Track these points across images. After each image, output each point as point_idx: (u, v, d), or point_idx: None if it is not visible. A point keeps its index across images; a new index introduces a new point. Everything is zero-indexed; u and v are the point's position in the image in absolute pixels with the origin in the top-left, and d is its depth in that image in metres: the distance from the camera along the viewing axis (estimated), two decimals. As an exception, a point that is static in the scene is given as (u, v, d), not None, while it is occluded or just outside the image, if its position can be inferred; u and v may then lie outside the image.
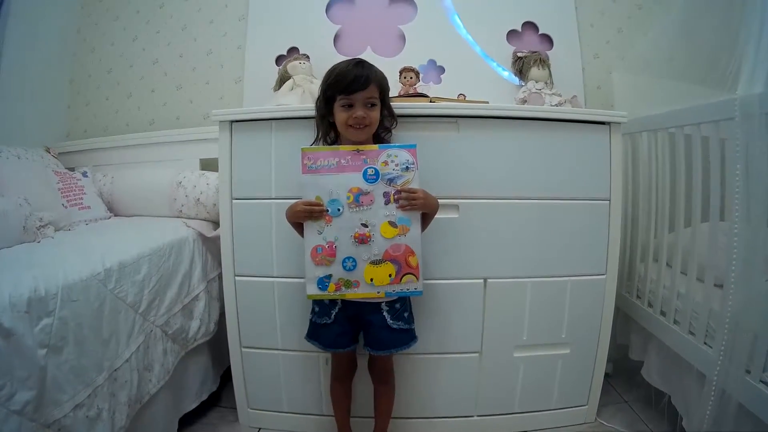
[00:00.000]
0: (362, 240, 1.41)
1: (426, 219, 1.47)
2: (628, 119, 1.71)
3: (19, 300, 1.12)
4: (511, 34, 2.07)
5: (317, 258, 1.44)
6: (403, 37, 2.03)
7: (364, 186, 1.40)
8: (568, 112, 1.73)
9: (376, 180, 1.40)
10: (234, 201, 1.71)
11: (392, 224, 1.41)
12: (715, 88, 1.60)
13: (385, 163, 1.41)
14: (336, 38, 2.07)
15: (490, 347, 1.75)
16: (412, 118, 1.62)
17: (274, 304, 1.73)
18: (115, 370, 1.41)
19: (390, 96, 1.51)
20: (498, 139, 1.66)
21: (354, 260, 1.42)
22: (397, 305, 1.51)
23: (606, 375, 1.87)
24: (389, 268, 1.42)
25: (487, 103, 1.78)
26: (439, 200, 1.61)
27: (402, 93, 1.81)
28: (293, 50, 2.09)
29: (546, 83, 1.98)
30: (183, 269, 1.81)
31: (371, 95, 1.41)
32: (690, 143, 1.66)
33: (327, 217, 1.42)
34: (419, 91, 1.83)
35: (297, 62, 1.90)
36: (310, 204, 1.41)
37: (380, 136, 1.53)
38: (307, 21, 2.08)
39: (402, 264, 1.42)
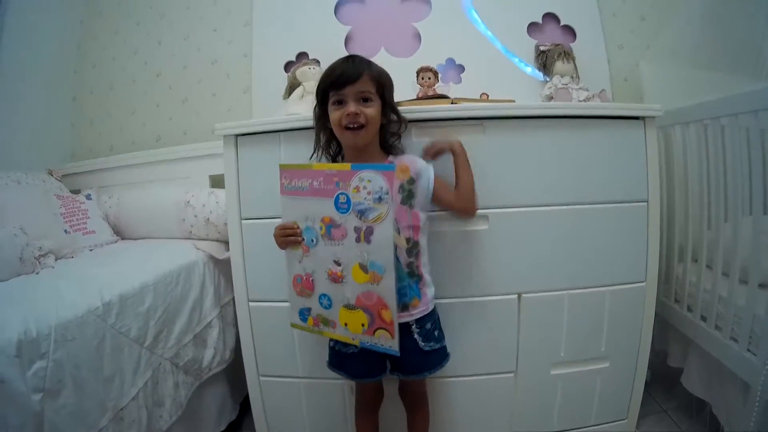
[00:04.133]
0: (335, 279, 1.24)
1: (459, 181, 1.33)
2: (663, 112, 1.54)
3: (7, 344, 1.03)
4: (532, 27, 1.92)
5: (297, 288, 1.31)
6: (418, 36, 1.88)
7: (336, 217, 1.21)
8: (600, 107, 1.58)
9: (348, 210, 1.19)
10: (243, 221, 1.57)
11: (363, 268, 1.20)
12: (750, 76, 1.53)
13: (357, 189, 1.17)
14: (347, 40, 1.93)
15: (526, 366, 1.60)
16: (432, 122, 1.47)
17: (292, 329, 1.50)
18: (121, 409, 1.30)
19: (407, 99, 1.33)
20: (527, 141, 1.50)
21: (329, 299, 1.27)
22: (428, 325, 1.36)
23: (644, 384, 1.69)
24: (362, 317, 1.23)
25: (514, 101, 1.61)
26: None
27: (420, 95, 1.66)
28: (302, 55, 1.95)
29: (572, 77, 1.81)
30: (193, 296, 1.68)
31: (364, 88, 1.24)
32: (725, 135, 1.55)
33: (304, 247, 1.27)
34: (439, 92, 1.66)
35: (306, 68, 1.74)
36: (284, 228, 1.28)
37: (388, 143, 1.37)
38: (316, 24, 1.93)
39: (375, 316, 1.22)
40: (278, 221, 1.36)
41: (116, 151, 2.46)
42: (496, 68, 1.89)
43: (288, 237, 1.27)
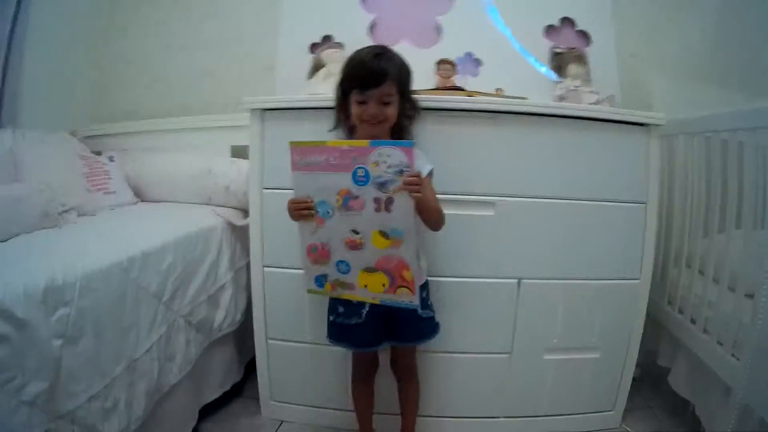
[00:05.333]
0: (354, 246, 1.27)
1: (421, 214, 1.29)
2: (666, 121, 1.58)
3: (34, 290, 1.04)
4: (549, 30, 1.94)
5: (312, 257, 1.33)
6: (439, 29, 1.91)
7: (354, 189, 1.22)
8: (608, 111, 1.60)
9: (366, 182, 1.20)
10: (264, 190, 1.63)
11: (384, 234, 1.24)
12: (755, 93, 1.56)
13: (376, 163, 1.18)
14: (372, 28, 1.94)
15: (521, 349, 1.65)
16: (448, 111, 1.52)
17: (303, 296, 1.60)
18: (135, 360, 1.33)
19: (426, 89, 1.39)
20: (535, 137, 1.55)
21: (347, 264, 1.29)
22: (423, 293, 1.40)
23: (633, 380, 1.77)
24: (382, 278, 1.27)
25: (526, 98, 1.64)
26: (475, 196, 1.55)
27: (439, 86, 1.69)
28: (327, 38, 1.95)
29: (584, 80, 1.85)
30: (210, 258, 1.72)
31: (387, 93, 1.28)
32: (726, 149, 1.56)
33: (318, 219, 1.27)
34: (456, 84, 1.70)
35: (332, 50, 1.77)
36: (297, 202, 1.28)
37: (401, 126, 1.39)
38: (342, 9, 1.95)
39: (395, 277, 1.26)
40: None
41: (138, 118, 2.46)
42: (511, 66, 1.89)
43: (301, 210, 1.28)
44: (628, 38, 2.09)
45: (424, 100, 1.47)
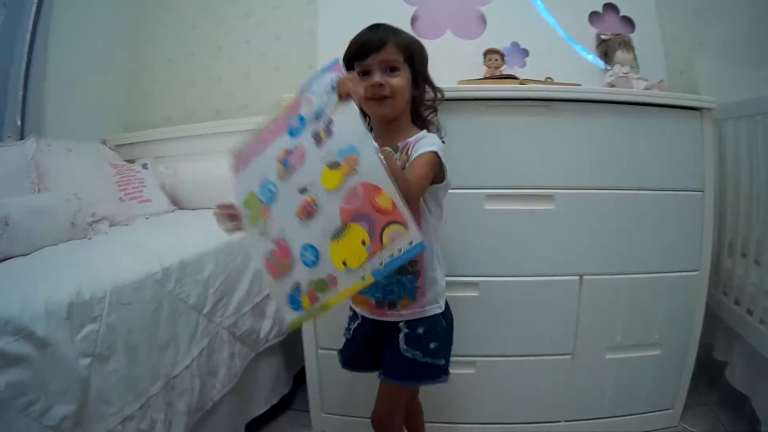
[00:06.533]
0: (308, 212, 0.92)
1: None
2: (717, 105, 1.51)
3: (57, 306, 0.99)
4: (593, 16, 1.86)
5: (273, 269, 0.98)
6: (483, 19, 1.82)
7: (291, 143, 0.96)
8: (662, 96, 1.50)
9: (303, 125, 0.94)
10: None
11: (333, 165, 0.89)
12: None
13: (308, 102, 0.94)
14: (413, 21, 1.85)
15: (583, 349, 1.54)
16: (500, 101, 1.42)
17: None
18: (173, 377, 1.24)
19: (476, 78, 1.29)
20: (590, 125, 1.46)
21: (312, 247, 0.92)
22: (420, 330, 1.12)
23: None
24: (358, 233, 0.88)
25: (580, 85, 1.57)
26: (534, 190, 1.44)
27: (488, 75, 1.61)
28: None
29: (632, 67, 1.77)
30: (253, 267, 1.59)
31: (389, 57, 1.08)
32: None
33: (263, 211, 0.99)
34: (505, 73, 1.63)
35: None
36: (221, 206, 1.08)
37: (421, 116, 1.18)
38: (381, 2, 1.87)
39: (372, 216, 0.86)
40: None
41: (173, 123, 2.40)
42: (558, 54, 1.82)
43: (225, 212, 1.07)
44: (670, 24, 2.03)
45: (474, 89, 1.41)
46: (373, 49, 1.07)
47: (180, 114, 2.44)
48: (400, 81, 1.08)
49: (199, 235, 1.52)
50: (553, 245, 1.49)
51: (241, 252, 1.57)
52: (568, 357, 1.55)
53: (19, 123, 1.99)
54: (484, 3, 1.79)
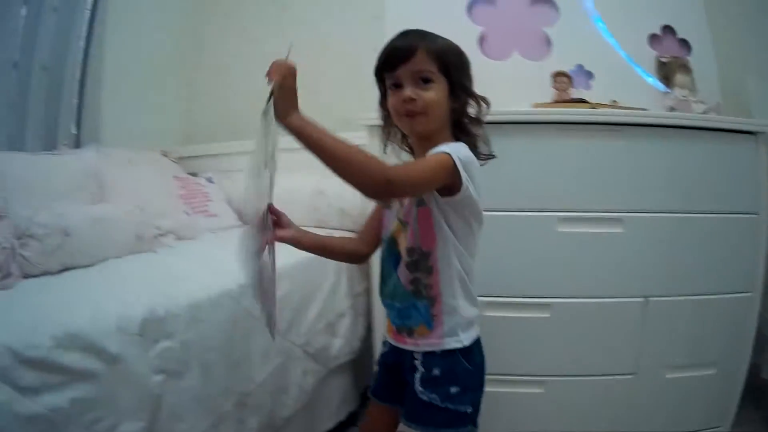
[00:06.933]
0: None
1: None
2: None
3: (129, 322, 0.96)
4: (653, 39, 1.86)
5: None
6: (548, 40, 1.82)
7: None
8: (721, 120, 1.55)
9: None
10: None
11: None
12: None
13: None
14: (481, 41, 1.83)
15: (646, 368, 1.54)
16: (571, 125, 1.44)
17: None
18: (247, 394, 1.22)
19: (545, 102, 1.28)
20: (653, 149, 1.48)
21: None
22: (436, 371, 0.98)
23: (738, 393, 1.65)
24: None
25: (647, 110, 1.58)
26: (604, 213, 1.44)
27: (557, 99, 1.62)
28: None
29: (690, 90, 1.79)
30: (327, 285, 1.60)
31: (420, 67, 0.94)
32: None
33: None
34: (572, 96, 1.64)
35: None
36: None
37: (464, 129, 1.03)
38: (449, 21, 1.79)
39: None
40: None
41: (237, 138, 2.27)
42: (620, 76, 1.79)
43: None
44: (723, 45, 2.03)
45: (547, 113, 1.42)
46: (403, 59, 0.95)
47: (243, 128, 2.37)
48: (434, 94, 0.95)
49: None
50: (620, 267, 1.48)
51: (315, 269, 1.55)
52: (631, 377, 1.54)
53: (74, 131, 1.98)
54: (549, 24, 1.78)
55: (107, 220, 1.41)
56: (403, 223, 1.00)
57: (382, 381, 1.12)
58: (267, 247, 1.01)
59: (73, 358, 0.87)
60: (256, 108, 2.53)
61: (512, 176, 1.42)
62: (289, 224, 1.11)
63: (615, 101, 1.63)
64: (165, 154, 2.12)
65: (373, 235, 1.12)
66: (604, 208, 1.46)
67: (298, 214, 1.92)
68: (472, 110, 1.02)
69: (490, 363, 1.40)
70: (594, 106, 1.52)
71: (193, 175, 2.07)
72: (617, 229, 1.46)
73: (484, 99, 1.02)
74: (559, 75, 1.64)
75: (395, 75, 0.97)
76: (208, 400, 1.10)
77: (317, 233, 1.19)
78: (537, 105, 1.56)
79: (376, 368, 1.16)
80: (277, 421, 1.34)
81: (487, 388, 1.40)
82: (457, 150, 0.92)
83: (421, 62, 0.94)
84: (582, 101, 1.56)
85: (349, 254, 1.18)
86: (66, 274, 1.27)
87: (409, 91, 0.95)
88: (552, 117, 1.46)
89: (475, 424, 1.02)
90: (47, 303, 1.02)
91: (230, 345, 1.18)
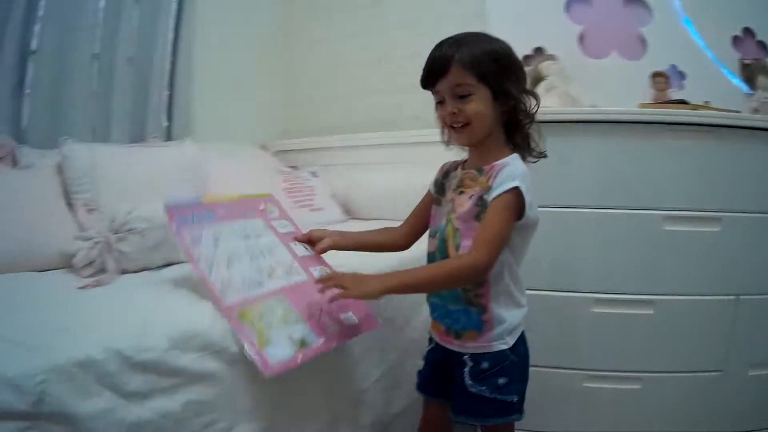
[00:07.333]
0: None
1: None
2: None
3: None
4: (736, 40, 1.89)
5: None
6: (643, 40, 1.85)
7: None
8: None
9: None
10: None
11: None
12: None
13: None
14: (580, 39, 1.82)
15: (733, 365, 1.54)
16: (670, 125, 1.44)
17: (541, 318, 1.44)
18: (363, 392, 1.19)
19: (644, 102, 1.29)
20: (748, 150, 1.49)
21: None
22: (485, 364, 1.01)
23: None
24: None
25: (740, 112, 1.60)
26: (702, 212, 1.46)
27: (655, 99, 1.65)
28: (539, 51, 1.83)
29: (770, 91, 1.82)
30: None
31: (457, 82, 0.94)
32: None
33: None
34: (670, 97, 1.66)
35: (549, 62, 1.67)
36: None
37: (519, 128, 1.02)
38: (548, 21, 1.83)
39: None
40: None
41: (332, 132, 2.33)
42: (709, 77, 1.83)
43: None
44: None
45: (648, 114, 1.44)
46: (439, 74, 0.95)
47: (343, 123, 2.35)
48: (474, 106, 0.95)
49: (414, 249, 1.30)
50: (715, 266, 1.49)
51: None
52: (717, 374, 1.54)
53: (165, 123, 1.95)
54: (644, 24, 1.81)
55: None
56: (456, 229, 0.99)
57: (428, 377, 1.14)
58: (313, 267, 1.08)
59: (190, 360, 0.86)
60: (353, 102, 2.46)
61: (619, 174, 1.45)
62: (320, 237, 1.15)
63: (708, 102, 1.65)
64: (264, 148, 2.10)
65: (418, 225, 1.15)
66: (705, 207, 1.47)
67: (403, 210, 1.89)
68: (525, 107, 1.00)
69: (595, 360, 1.55)
70: (694, 107, 1.53)
71: (293, 169, 2.05)
72: (715, 228, 1.47)
73: (534, 95, 1.01)
74: (657, 75, 1.66)
75: (436, 91, 0.98)
76: (325, 399, 1.08)
77: (355, 231, 1.23)
78: (642, 105, 1.56)
79: (422, 363, 1.16)
80: (388, 417, 1.31)
81: (588, 384, 1.56)
82: (522, 178, 0.93)
83: (457, 76, 0.94)
84: (683, 102, 1.59)
85: (390, 247, 1.20)
86: (169, 269, 1.25)
87: (450, 107, 0.96)
88: (657, 117, 1.46)
89: (520, 411, 1.05)
90: (156, 301, 0.99)
91: (351, 342, 1.13)
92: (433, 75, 0.96)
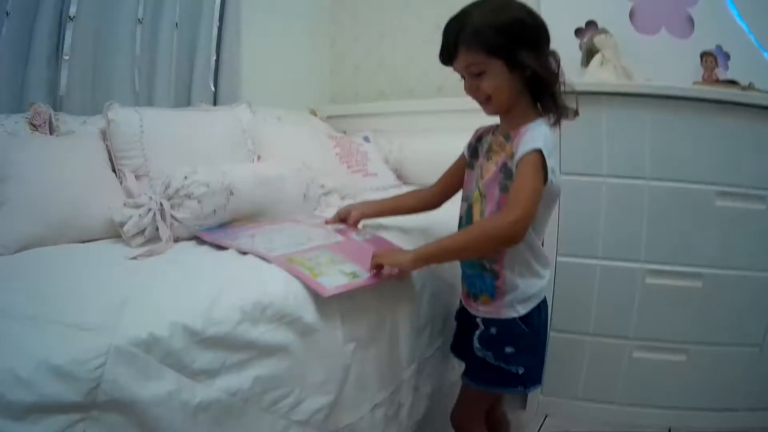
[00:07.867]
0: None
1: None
2: None
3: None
4: (774, 22, 1.91)
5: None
6: (691, 20, 1.86)
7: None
8: None
9: None
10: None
11: None
12: None
13: None
14: (631, 15, 1.82)
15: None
16: (720, 104, 1.45)
17: (593, 287, 1.53)
18: (426, 359, 1.14)
19: (702, 81, 1.29)
20: None
21: None
22: (493, 330, 1.01)
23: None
24: None
25: None
26: (752, 190, 1.47)
27: (705, 78, 1.66)
28: (591, 24, 1.85)
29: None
30: None
31: (467, 62, 0.93)
32: None
33: None
34: (719, 77, 1.68)
35: (604, 36, 1.68)
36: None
37: (546, 87, 0.97)
38: None
39: None
40: (597, 180, 1.45)
41: (381, 99, 2.32)
42: (750, 59, 1.81)
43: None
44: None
45: (700, 93, 1.46)
46: (449, 58, 0.95)
47: (392, 89, 2.33)
48: (489, 83, 0.93)
49: (448, 212, 1.21)
50: (763, 242, 1.50)
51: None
52: (755, 349, 1.55)
53: (212, 88, 1.89)
54: (691, 4, 1.83)
55: (274, 178, 1.30)
56: (482, 195, 0.99)
57: (456, 336, 1.15)
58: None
59: (262, 332, 0.80)
60: (403, 69, 2.39)
61: (673, 149, 1.46)
62: (347, 213, 1.19)
63: (752, 83, 1.67)
64: (313, 113, 2.06)
65: (448, 186, 1.17)
66: (756, 185, 1.48)
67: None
68: (547, 70, 0.96)
69: (644, 330, 1.56)
70: (744, 88, 1.53)
71: (344, 134, 2.00)
72: (762, 206, 1.48)
73: (553, 54, 0.97)
74: (707, 55, 1.68)
75: (455, 69, 0.97)
76: (391, 368, 1.04)
77: (380, 199, 1.28)
78: (696, 83, 1.57)
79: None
80: (446, 386, 1.26)
81: (637, 354, 1.57)
82: (544, 141, 0.90)
83: (466, 57, 0.93)
84: (733, 82, 1.60)
85: (420, 208, 1.23)
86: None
87: (467, 85, 0.96)
88: (713, 95, 1.47)
89: (525, 386, 1.03)
90: (222, 270, 0.91)
91: (419, 309, 1.11)
92: (444, 59, 0.96)
